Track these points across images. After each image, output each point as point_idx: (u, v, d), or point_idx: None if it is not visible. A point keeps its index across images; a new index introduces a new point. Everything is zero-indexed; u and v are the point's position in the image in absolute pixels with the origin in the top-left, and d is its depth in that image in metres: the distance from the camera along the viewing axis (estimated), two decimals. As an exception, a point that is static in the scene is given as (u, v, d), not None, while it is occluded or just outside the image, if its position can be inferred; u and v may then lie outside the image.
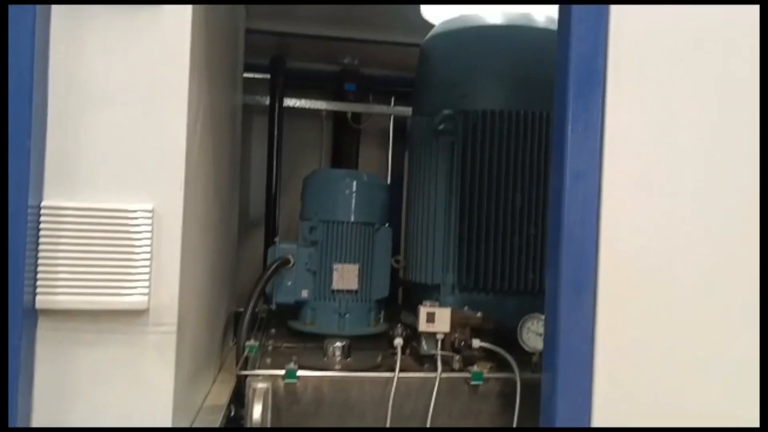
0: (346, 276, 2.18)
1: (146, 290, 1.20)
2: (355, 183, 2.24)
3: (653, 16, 1.19)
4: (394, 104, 3.51)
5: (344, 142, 3.40)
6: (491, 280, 2.18)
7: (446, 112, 2.20)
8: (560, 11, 1.21)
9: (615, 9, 1.16)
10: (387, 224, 2.33)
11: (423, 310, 1.81)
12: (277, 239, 2.22)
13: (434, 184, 2.28)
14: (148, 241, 1.20)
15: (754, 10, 1.22)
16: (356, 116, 3.37)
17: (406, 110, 3.43)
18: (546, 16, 2.38)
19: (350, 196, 2.23)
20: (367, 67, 3.41)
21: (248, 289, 2.05)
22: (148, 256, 1.20)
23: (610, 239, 1.22)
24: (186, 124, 1.24)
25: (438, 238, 2.26)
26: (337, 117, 3.39)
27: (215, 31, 1.63)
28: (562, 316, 1.23)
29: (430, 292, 2.29)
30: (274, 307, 2.19)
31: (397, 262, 2.35)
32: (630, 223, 1.21)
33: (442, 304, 2.18)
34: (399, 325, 1.90)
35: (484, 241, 2.18)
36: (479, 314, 1.90)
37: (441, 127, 2.20)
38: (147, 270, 1.20)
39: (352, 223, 2.20)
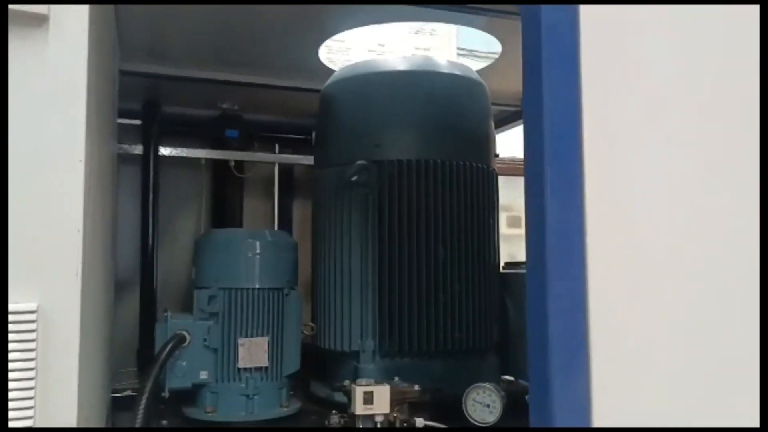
0: (253, 351, 1.89)
1: (29, 419, 0.88)
2: (258, 243, 1.97)
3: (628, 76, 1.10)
4: (279, 151, 3.25)
5: (227, 193, 3.09)
6: (416, 343, 1.99)
7: (360, 162, 2.01)
8: (527, 80, 1.09)
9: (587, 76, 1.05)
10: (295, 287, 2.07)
11: (359, 390, 1.58)
12: (168, 313, 1.88)
13: (348, 240, 2.07)
14: (32, 354, 0.88)
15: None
16: (239, 165, 3.09)
17: (292, 158, 3.21)
18: (447, 60, 2.29)
19: (254, 258, 1.95)
20: (249, 113, 3.14)
21: (121, 364, 1.69)
22: (31, 374, 0.88)
23: (600, 312, 1.08)
24: (83, 190, 0.94)
25: (354, 300, 2.04)
26: (218, 166, 3.08)
27: (102, 75, 1.33)
28: (555, 402, 1.07)
29: (346, 361, 2.06)
30: (166, 394, 1.84)
31: (311, 328, 2.09)
32: (621, 293, 1.09)
33: (361, 373, 1.97)
34: (333, 413, 1.65)
35: (407, 300, 2.00)
36: (416, 387, 1.70)
37: (354, 178, 2.01)
38: (29, 393, 0.87)
39: (258, 289, 1.93)
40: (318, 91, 2.54)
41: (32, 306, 0.89)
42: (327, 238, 2.13)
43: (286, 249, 2.04)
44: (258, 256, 1.95)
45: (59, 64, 0.94)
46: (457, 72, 2.21)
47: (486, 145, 2.21)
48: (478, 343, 2.08)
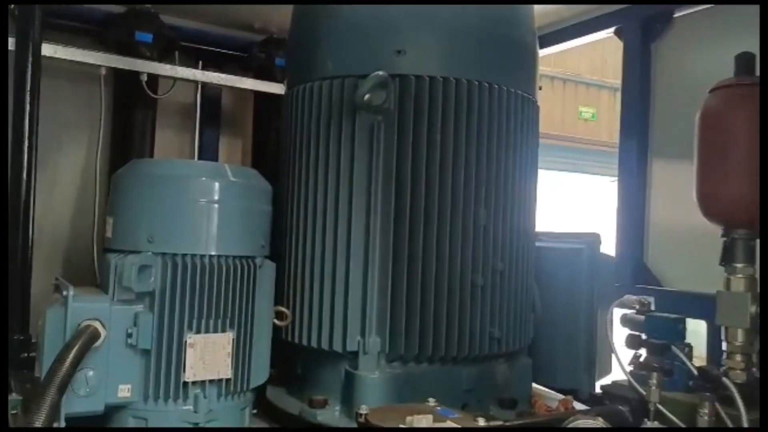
0: (209, 355, 1.20)
1: None
2: (217, 185, 1.27)
3: None
4: (203, 68, 2.46)
5: (134, 118, 2.30)
6: (443, 343, 1.40)
7: (378, 73, 1.34)
8: None
9: None
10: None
11: None
12: (69, 291, 1.15)
13: (346, 191, 1.41)
14: None
15: None
16: (152, 81, 2.29)
17: (228, 78, 2.45)
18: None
19: (211, 208, 1.25)
20: (168, 14, 2.35)
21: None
22: None
23: None
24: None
25: (353, 280, 1.41)
26: (124, 80, 2.26)
27: None
28: None
29: (335, 364, 1.44)
30: (61, 423, 1.12)
31: (281, 316, 1.42)
32: None
33: (360, 384, 1.37)
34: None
35: (433, 284, 1.39)
36: (481, 421, 1.10)
37: (367, 97, 1.34)
38: None
39: (219, 257, 1.23)
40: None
41: None
42: (309, 189, 1.45)
43: (259, 196, 1.35)
44: (217, 206, 1.25)
45: None
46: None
47: (533, 69, 1.62)
48: (517, 343, 1.52)
